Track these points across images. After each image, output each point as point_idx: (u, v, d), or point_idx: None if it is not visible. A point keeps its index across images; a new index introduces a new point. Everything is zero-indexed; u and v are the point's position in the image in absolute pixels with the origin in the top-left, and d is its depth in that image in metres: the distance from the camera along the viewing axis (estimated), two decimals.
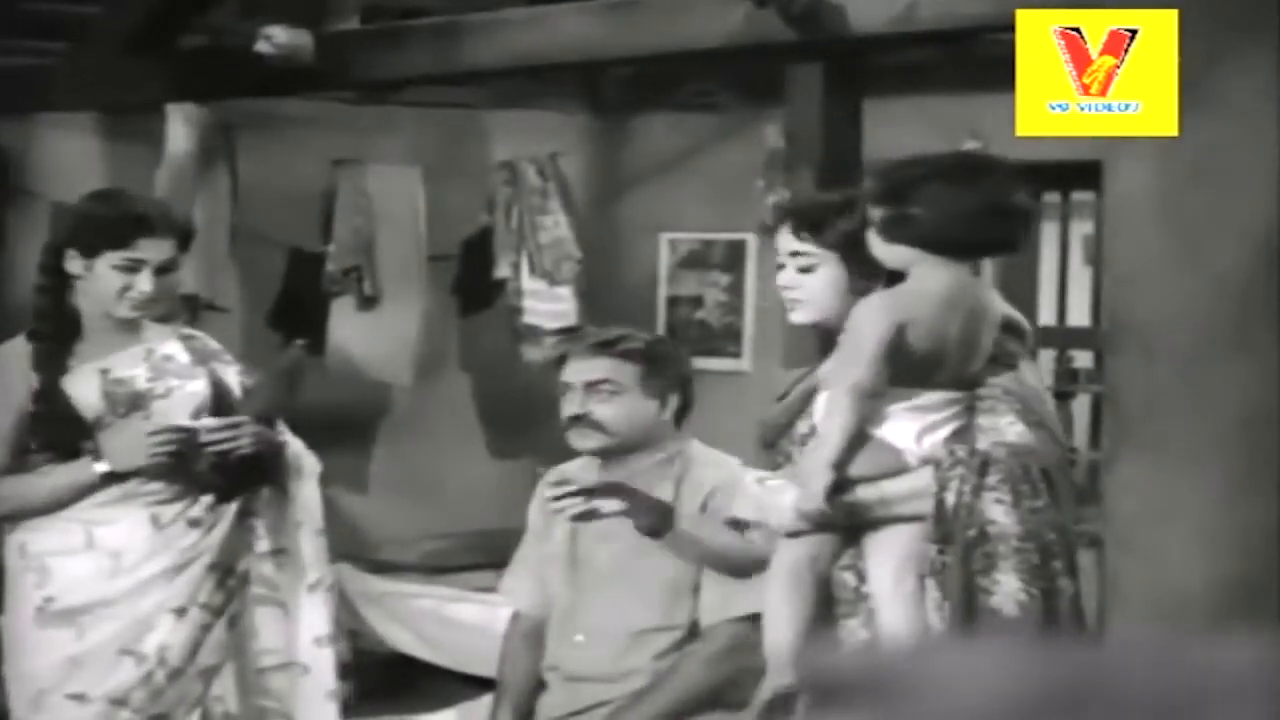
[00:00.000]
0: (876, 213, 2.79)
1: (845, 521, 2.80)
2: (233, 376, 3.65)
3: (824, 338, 3.00)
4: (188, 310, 5.92)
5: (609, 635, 3.44)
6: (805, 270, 2.96)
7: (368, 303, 6.67)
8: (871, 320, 2.75)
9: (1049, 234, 6.43)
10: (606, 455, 3.50)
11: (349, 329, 6.68)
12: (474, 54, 4.78)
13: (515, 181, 6.89)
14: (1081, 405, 6.33)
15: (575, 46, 4.60)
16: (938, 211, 2.74)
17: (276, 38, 4.88)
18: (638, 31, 4.42)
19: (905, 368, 2.76)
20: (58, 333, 3.51)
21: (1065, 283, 6.43)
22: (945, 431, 2.79)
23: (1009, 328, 2.91)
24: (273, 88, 5.33)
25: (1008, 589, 2.70)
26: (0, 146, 6.22)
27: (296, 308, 6.58)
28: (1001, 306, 2.91)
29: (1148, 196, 2.23)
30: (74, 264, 3.50)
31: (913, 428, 2.79)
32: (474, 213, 6.96)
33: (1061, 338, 6.39)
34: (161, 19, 5.39)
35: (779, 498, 2.88)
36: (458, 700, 5.61)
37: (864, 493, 2.78)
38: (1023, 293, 6.31)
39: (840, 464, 2.76)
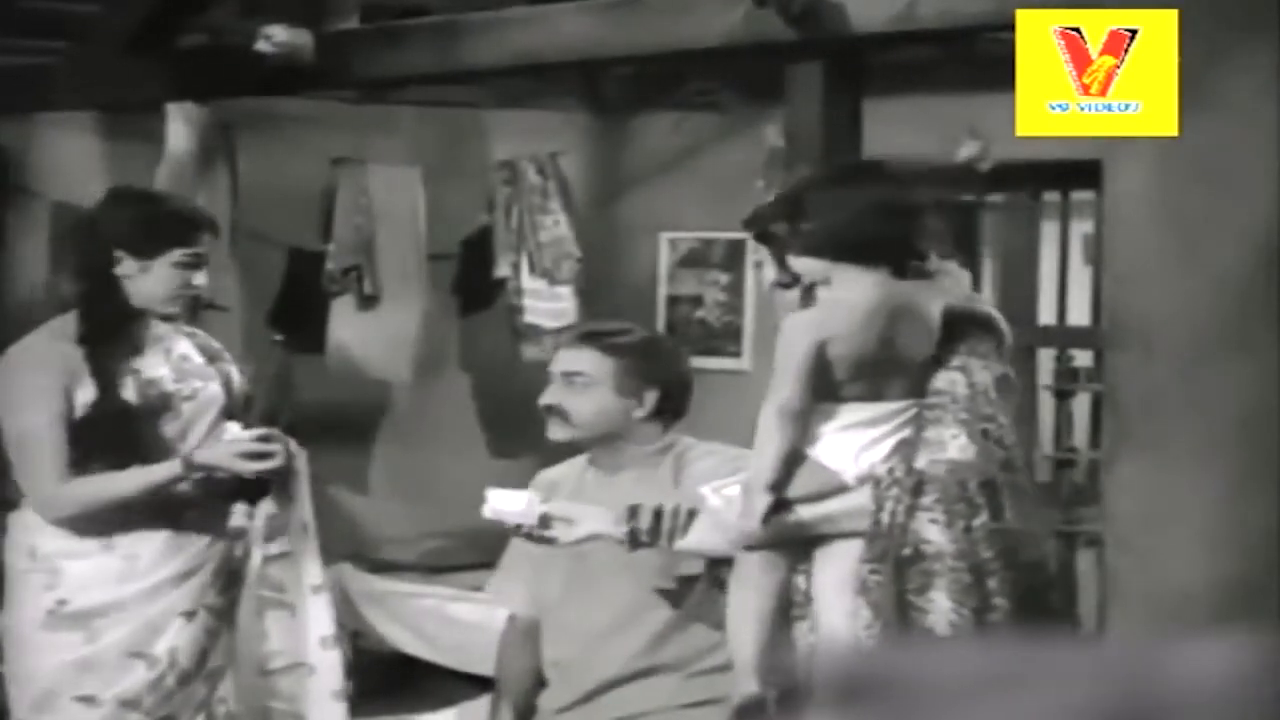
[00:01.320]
0: (780, 229, 2.83)
1: (790, 539, 2.82)
2: (236, 376, 3.68)
3: None
4: (188, 310, 5.92)
5: (606, 624, 3.44)
6: (758, 267, 3.09)
7: (368, 302, 6.67)
8: (792, 341, 2.78)
9: (1049, 234, 6.43)
10: (578, 448, 3.51)
11: (349, 329, 6.68)
12: (474, 53, 4.78)
13: (515, 181, 6.89)
14: (1081, 405, 6.33)
15: (575, 45, 4.60)
16: (827, 220, 2.78)
17: (276, 37, 4.88)
18: (638, 31, 4.42)
19: (836, 382, 2.77)
20: (113, 335, 3.50)
21: (1065, 283, 6.43)
22: (885, 447, 2.80)
23: (974, 323, 2.90)
24: (273, 87, 5.33)
25: (940, 608, 2.71)
26: (0, 146, 6.22)
27: (296, 307, 6.58)
28: (947, 305, 2.89)
29: (1148, 196, 2.23)
30: (126, 266, 3.50)
31: (851, 446, 2.81)
32: (474, 212, 6.96)
33: (1061, 337, 6.38)
34: (161, 19, 5.39)
35: (732, 512, 2.90)
36: (458, 700, 5.62)
37: (806, 512, 2.80)
38: (1023, 293, 6.31)
39: (776, 485, 2.78)
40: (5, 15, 5.60)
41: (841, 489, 2.79)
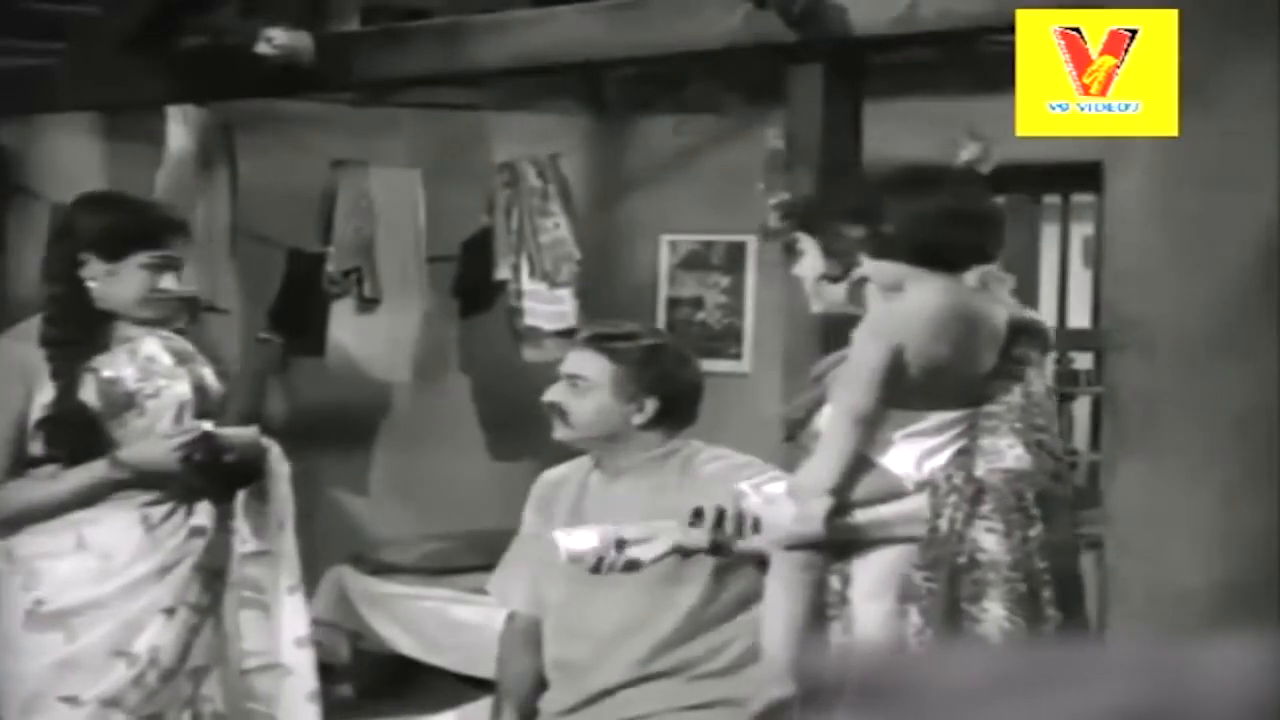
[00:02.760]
0: (855, 232, 2.82)
1: (841, 542, 2.81)
2: (211, 378, 3.68)
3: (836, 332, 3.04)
4: (188, 311, 5.92)
5: (608, 628, 3.43)
6: (799, 256, 3.06)
7: (368, 304, 6.67)
8: (868, 346, 2.76)
9: (1049, 235, 6.43)
10: (577, 447, 3.53)
11: (349, 330, 6.67)
12: (474, 55, 4.79)
13: (515, 183, 6.89)
14: (1082, 406, 6.33)
15: (576, 48, 4.60)
16: (904, 224, 2.77)
17: (276, 39, 4.88)
18: (638, 33, 4.42)
19: (906, 389, 2.76)
20: (77, 337, 3.51)
21: (1065, 284, 6.43)
22: (946, 455, 2.79)
23: (1027, 331, 2.90)
24: (273, 89, 5.33)
25: (994, 617, 2.71)
26: (0, 146, 6.22)
27: (296, 309, 6.57)
28: (1009, 314, 2.89)
29: (1148, 196, 2.23)
30: (93, 269, 3.51)
31: (913, 453, 2.80)
32: (474, 214, 6.95)
33: (1062, 339, 6.38)
34: (161, 19, 5.40)
35: (775, 511, 2.89)
36: (459, 702, 5.61)
37: (863, 516, 2.79)
38: (1023, 294, 6.30)
39: (839, 489, 2.77)
40: (5, 15, 5.60)
41: (900, 495, 2.79)
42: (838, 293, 2.97)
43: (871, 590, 2.80)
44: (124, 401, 3.51)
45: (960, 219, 2.81)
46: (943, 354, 2.77)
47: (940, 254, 2.78)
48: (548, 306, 6.83)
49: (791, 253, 3.11)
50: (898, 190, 2.84)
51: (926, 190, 2.84)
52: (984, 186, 2.90)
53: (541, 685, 3.56)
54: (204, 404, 3.62)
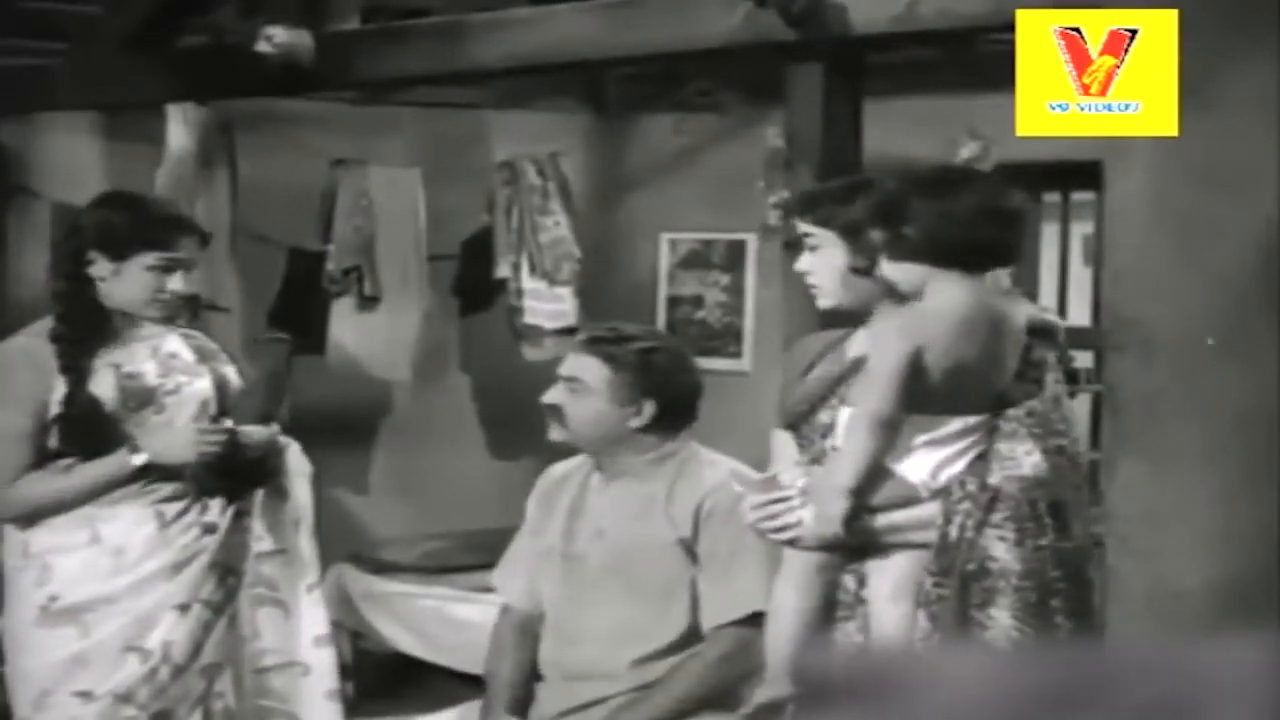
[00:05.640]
0: (876, 235, 2.79)
1: (854, 543, 2.80)
2: (233, 375, 3.70)
3: (836, 318, 3.02)
4: (189, 310, 5.92)
5: (602, 633, 3.43)
6: (812, 250, 3.02)
7: (368, 303, 6.66)
8: (888, 348, 2.74)
9: (1049, 234, 6.43)
10: (579, 450, 3.55)
11: (349, 329, 6.67)
12: (475, 54, 4.78)
13: (515, 181, 6.89)
14: (1081, 405, 6.33)
15: (575, 46, 4.60)
16: (930, 225, 2.74)
17: (277, 38, 4.88)
18: (638, 31, 4.42)
19: (929, 392, 2.74)
20: (85, 334, 3.52)
21: (1065, 283, 6.43)
22: (962, 464, 2.77)
23: (1039, 332, 2.89)
24: (273, 88, 5.33)
25: (1002, 625, 2.69)
26: (0, 146, 6.22)
27: (297, 308, 6.57)
28: (1027, 314, 2.89)
29: (1148, 196, 2.23)
30: (100, 267, 3.52)
31: (931, 461, 2.78)
32: (474, 213, 6.96)
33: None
34: (162, 19, 5.40)
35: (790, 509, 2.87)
36: (459, 700, 5.61)
37: (879, 520, 2.78)
38: (1023, 294, 6.30)
39: (858, 491, 2.75)
40: (5, 15, 5.60)
41: (914, 500, 2.77)
42: (865, 286, 2.92)
43: (893, 592, 2.78)
44: (144, 397, 3.52)
45: (992, 216, 2.78)
46: (966, 355, 2.75)
47: (967, 254, 2.75)
48: (548, 305, 6.83)
49: (794, 249, 3.09)
50: (928, 189, 2.80)
51: (958, 188, 2.81)
52: (1009, 185, 2.88)
53: (533, 678, 3.57)
54: (225, 402, 3.63)
